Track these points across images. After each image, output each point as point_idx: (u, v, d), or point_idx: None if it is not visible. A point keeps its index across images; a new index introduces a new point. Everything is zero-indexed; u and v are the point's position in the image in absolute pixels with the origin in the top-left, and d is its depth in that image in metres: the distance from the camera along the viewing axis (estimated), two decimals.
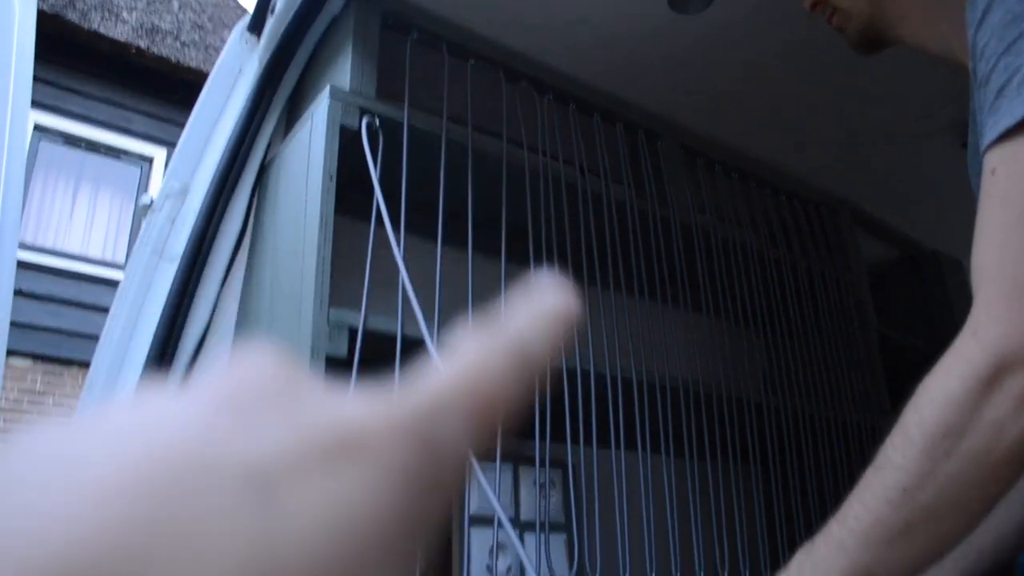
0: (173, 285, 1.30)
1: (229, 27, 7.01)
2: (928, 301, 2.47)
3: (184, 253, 1.32)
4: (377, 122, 1.32)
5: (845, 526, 0.68)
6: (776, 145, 1.98)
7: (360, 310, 1.17)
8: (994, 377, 0.62)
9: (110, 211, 6.65)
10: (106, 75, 6.61)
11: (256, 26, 1.45)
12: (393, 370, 1.16)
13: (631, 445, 1.43)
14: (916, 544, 0.65)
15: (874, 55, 1.00)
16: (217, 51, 6.88)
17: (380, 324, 1.19)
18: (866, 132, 1.97)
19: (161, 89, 6.77)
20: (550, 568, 1.31)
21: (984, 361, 0.62)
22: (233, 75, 1.42)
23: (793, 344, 1.87)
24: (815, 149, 2.01)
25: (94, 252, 6.47)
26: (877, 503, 0.66)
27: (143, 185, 6.69)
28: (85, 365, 6.15)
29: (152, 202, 1.32)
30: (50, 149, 6.39)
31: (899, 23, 0.94)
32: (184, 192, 1.35)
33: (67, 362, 6.11)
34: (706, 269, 1.76)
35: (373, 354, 1.17)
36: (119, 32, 6.50)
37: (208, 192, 1.35)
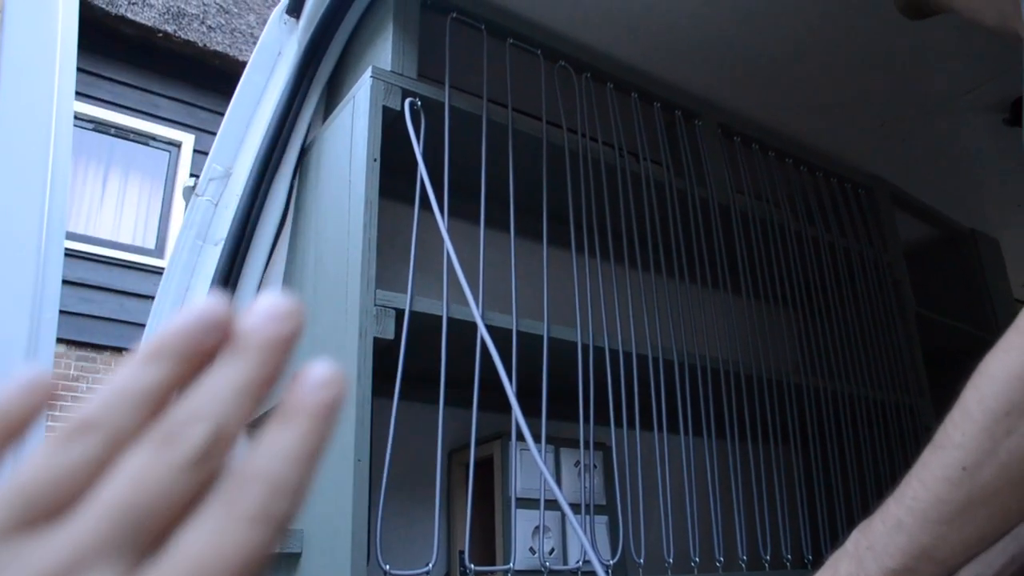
0: (218, 268, 1.31)
1: (255, 11, 7.01)
2: (966, 281, 2.44)
3: (228, 236, 1.33)
4: (419, 103, 1.32)
5: (903, 504, 0.67)
6: (814, 123, 1.96)
7: (406, 292, 1.17)
8: None
9: (139, 197, 6.69)
10: (133, 60, 6.63)
11: (295, 8, 1.45)
12: (439, 351, 1.17)
13: (673, 426, 1.43)
14: (976, 523, 0.64)
15: (921, 20, 0.98)
16: (243, 35, 6.89)
17: (425, 306, 1.20)
18: (905, 110, 1.94)
19: (188, 74, 6.79)
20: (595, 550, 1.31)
21: None
22: (273, 57, 1.42)
23: (831, 324, 1.86)
24: (853, 127, 1.99)
25: (124, 238, 6.52)
26: (936, 482, 0.65)
27: (172, 170, 6.73)
28: (118, 350, 6.24)
29: (196, 185, 1.33)
30: (79, 135, 6.43)
31: None
32: (227, 175, 1.35)
33: (100, 347, 6.18)
34: (744, 250, 1.74)
35: (419, 336, 1.17)
36: (145, 17, 6.52)
37: (250, 175, 1.35)
